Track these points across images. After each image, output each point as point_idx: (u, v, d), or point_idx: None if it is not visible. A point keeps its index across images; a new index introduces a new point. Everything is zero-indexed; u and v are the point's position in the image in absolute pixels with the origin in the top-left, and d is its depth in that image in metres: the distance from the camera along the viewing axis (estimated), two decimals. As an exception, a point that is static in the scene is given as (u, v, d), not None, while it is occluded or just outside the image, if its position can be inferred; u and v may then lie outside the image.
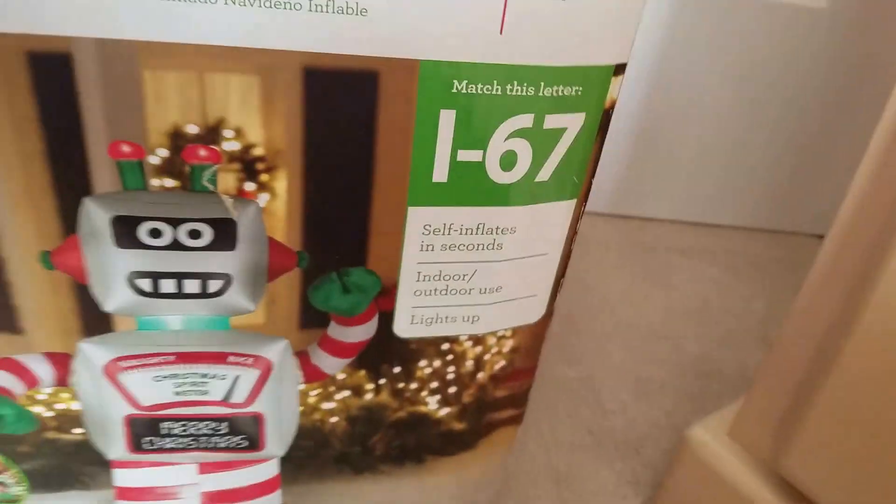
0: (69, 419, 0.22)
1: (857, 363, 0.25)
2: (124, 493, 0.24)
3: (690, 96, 0.62)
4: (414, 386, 0.24)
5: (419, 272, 0.21)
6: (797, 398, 0.29)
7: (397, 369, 0.23)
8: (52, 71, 0.15)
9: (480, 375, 0.24)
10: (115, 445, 0.23)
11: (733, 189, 0.67)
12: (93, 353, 0.20)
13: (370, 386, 0.24)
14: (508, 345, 0.24)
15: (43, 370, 0.21)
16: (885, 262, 0.24)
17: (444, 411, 0.25)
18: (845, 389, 0.26)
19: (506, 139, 0.19)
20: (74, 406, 0.22)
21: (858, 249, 0.26)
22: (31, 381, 0.21)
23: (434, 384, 0.24)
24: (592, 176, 0.21)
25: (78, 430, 0.22)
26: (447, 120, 0.18)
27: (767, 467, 0.32)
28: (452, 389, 0.24)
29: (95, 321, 0.20)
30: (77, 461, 0.23)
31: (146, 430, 0.22)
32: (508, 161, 0.19)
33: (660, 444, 0.40)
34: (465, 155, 0.19)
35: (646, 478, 0.38)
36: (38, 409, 0.21)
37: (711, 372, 0.47)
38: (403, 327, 0.22)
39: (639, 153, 0.65)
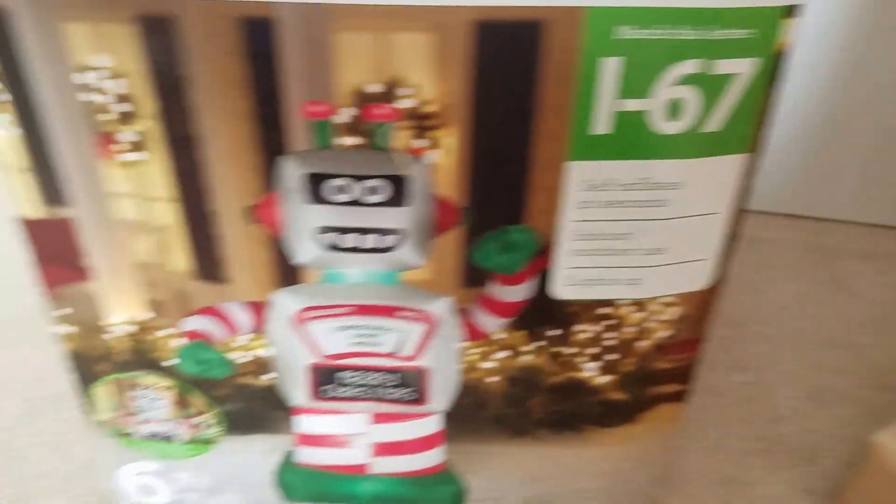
0: (261, 365, 0.24)
1: None
2: (304, 438, 0.26)
3: (875, 92, 0.57)
4: (572, 351, 0.24)
5: (577, 231, 0.21)
6: None
7: (555, 332, 0.24)
8: (258, 35, 0.18)
9: (642, 344, 0.24)
10: (298, 392, 0.25)
11: None
12: (284, 302, 0.23)
13: (528, 348, 0.24)
14: (673, 312, 0.23)
15: (243, 317, 0.23)
16: None
17: (603, 379, 0.25)
18: None
19: (672, 86, 0.18)
20: (266, 353, 0.24)
21: None
22: (232, 328, 0.24)
23: (592, 350, 0.24)
24: (767, 128, 0.20)
25: (268, 377, 0.25)
26: (611, 68, 0.18)
27: None
28: (611, 357, 0.24)
29: (288, 273, 0.22)
30: (265, 406, 0.26)
31: (326, 379, 0.24)
32: (675, 110, 0.19)
33: (836, 454, 0.37)
34: (628, 104, 0.19)
35: (820, 487, 0.35)
36: (234, 356, 0.24)
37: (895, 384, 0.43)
38: (560, 288, 0.23)
39: (818, 150, 0.60)
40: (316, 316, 0.23)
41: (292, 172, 0.20)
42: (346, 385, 0.25)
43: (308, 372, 0.24)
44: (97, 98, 0.19)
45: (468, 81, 0.19)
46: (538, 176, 0.20)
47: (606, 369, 0.25)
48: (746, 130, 0.20)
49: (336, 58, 0.18)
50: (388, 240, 0.21)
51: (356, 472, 0.27)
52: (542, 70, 0.18)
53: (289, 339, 0.24)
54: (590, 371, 0.25)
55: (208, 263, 0.22)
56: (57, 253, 0.22)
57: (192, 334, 0.24)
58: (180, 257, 0.22)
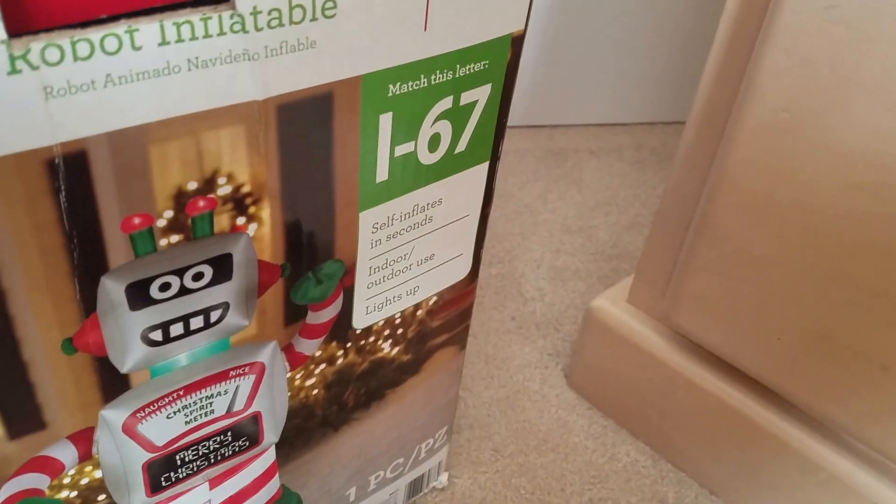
0: (93, 490, 0.24)
1: (723, 224, 0.35)
2: (146, 536, 0.26)
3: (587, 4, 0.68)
4: (372, 339, 0.29)
5: (370, 267, 0.26)
6: (680, 260, 0.38)
7: (359, 331, 0.29)
8: (68, 171, 0.17)
9: (419, 313, 0.30)
10: (136, 495, 0.25)
11: (637, 88, 0.75)
12: (112, 417, 0.22)
13: (340, 352, 0.28)
14: (434, 278, 0.30)
15: (67, 455, 0.22)
16: (734, 140, 0.34)
17: (395, 350, 0.31)
18: (716, 247, 0.36)
19: (432, 124, 0.24)
20: (97, 474, 0.23)
21: (714, 130, 0.36)
22: (57, 471, 0.22)
23: (386, 331, 0.30)
24: (502, 136, 0.27)
25: (102, 497, 0.24)
26: (386, 122, 0.23)
27: (663, 324, 0.41)
28: (399, 331, 0.30)
29: (114, 386, 0.22)
30: (99, 527, 0.25)
31: (163, 469, 0.25)
32: (434, 143, 0.25)
33: (574, 321, 0.50)
34: (400, 149, 0.24)
35: (565, 349, 0.48)
36: (64, 494, 0.23)
37: (620, 254, 0.58)
38: (361, 319, 0.27)
39: (543, 63, 0.70)
40: (144, 415, 0.23)
41: (114, 288, 0.20)
42: (184, 465, 0.26)
43: (143, 471, 0.24)
44: None
45: (277, 157, 0.21)
46: (341, 217, 0.24)
47: (396, 341, 0.31)
48: (487, 144, 0.27)
49: (151, 169, 0.19)
50: (214, 315, 0.23)
51: (202, 537, 0.28)
52: (333, 135, 0.22)
53: (121, 449, 0.23)
54: (386, 349, 0.30)
55: (21, 418, 0.20)
56: None
57: (15, 497, 0.21)
58: (-15, 425, 0.20)
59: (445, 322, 0.32)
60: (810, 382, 0.35)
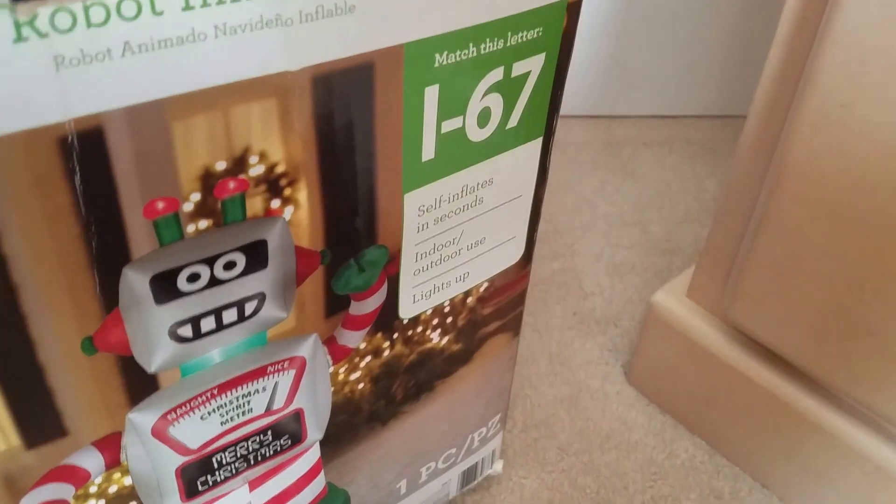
0: (123, 497, 0.22)
1: (783, 219, 0.34)
2: (183, 541, 0.25)
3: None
4: (420, 329, 0.27)
5: (417, 253, 0.24)
6: (739, 256, 0.37)
7: (405, 320, 0.26)
8: (85, 152, 0.15)
9: (469, 300, 0.28)
10: (170, 501, 0.23)
11: (687, 80, 0.74)
12: (140, 420, 0.21)
13: (386, 344, 0.26)
14: (486, 264, 0.28)
15: (93, 462, 0.21)
16: (794, 134, 0.32)
17: (445, 340, 0.29)
18: (776, 243, 0.34)
19: (482, 98, 0.22)
20: (127, 481, 0.22)
21: (775, 125, 0.34)
22: (82, 480, 0.21)
23: (434, 321, 0.28)
24: (556, 110, 0.25)
25: None
26: (432, 95, 0.20)
27: (721, 320, 0.40)
28: (449, 319, 0.28)
29: (141, 387, 0.20)
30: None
31: (199, 472, 0.23)
32: (484, 118, 0.22)
33: (633, 316, 0.49)
34: (448, 125, 0.21)
35: (624, 345, 0.47)
36: (91, 503, 0.21)
37: (673, 249, 0.57)
38: (408, 309, 0.25)
39: (603, 55, 0.70)
40: (176, 417, 0.22)
41: (136, 280, 0.18)
42: (221, 467, 0.24)
43: (177, 476, 0.23)
44: None
45: (313, 134, 0.19)
46: (384, 202, 0.22)
47: (445, 331, 0.29)
48: (541, 118, 0.24)
49: (175, 148, 0.17)
50: (249, 307, 0.21)
51: (243, 541, 0.27)
52: (375, 110, 0.20)
53: (152, 454, 0.22)
54: (435, 339, 0.28)
55: (40, 425, 0.19)
56: None
57: (39, 509, 0.20)
58: (4, 435, 0.18)
59: (497, 309, 0.30)
60: (867, 379, 0.34)
